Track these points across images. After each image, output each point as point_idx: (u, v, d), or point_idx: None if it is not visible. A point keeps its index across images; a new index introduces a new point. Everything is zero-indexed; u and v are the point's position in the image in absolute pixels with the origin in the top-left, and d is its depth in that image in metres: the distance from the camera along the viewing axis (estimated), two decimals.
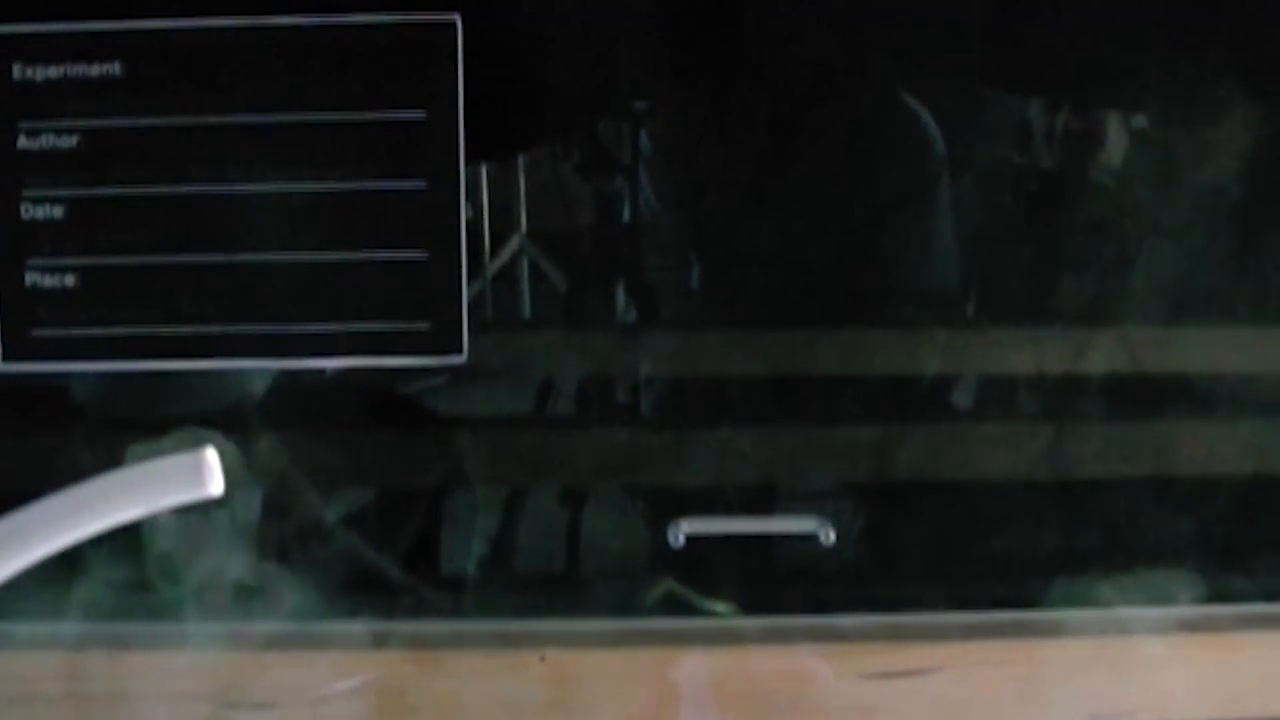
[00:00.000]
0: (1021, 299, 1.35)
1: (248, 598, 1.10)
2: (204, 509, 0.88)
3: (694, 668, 1.05)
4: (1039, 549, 1.26)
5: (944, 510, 1.29)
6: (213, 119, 1.05)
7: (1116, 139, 1.35)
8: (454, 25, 1.04)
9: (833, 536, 1.15)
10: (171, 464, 0.64)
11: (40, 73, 1.03)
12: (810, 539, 1.16)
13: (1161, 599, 1.11)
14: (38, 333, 1.06)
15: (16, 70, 1.03)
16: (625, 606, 1.14)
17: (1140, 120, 1.35)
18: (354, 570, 1.18)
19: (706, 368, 1.35)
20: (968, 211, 1.38)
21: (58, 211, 1.04)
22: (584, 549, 1.34)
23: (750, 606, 1.13)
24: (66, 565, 0.74)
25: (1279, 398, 1.29)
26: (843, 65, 1.31)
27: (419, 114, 1.05)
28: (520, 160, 1.40)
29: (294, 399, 1.19)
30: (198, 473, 0.64)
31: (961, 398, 1.37)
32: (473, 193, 1.32)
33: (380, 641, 1.06)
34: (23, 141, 1.04)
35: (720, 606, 1.13)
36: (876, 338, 1.33)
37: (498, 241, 1.43)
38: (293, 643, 1.05)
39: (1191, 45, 1.21)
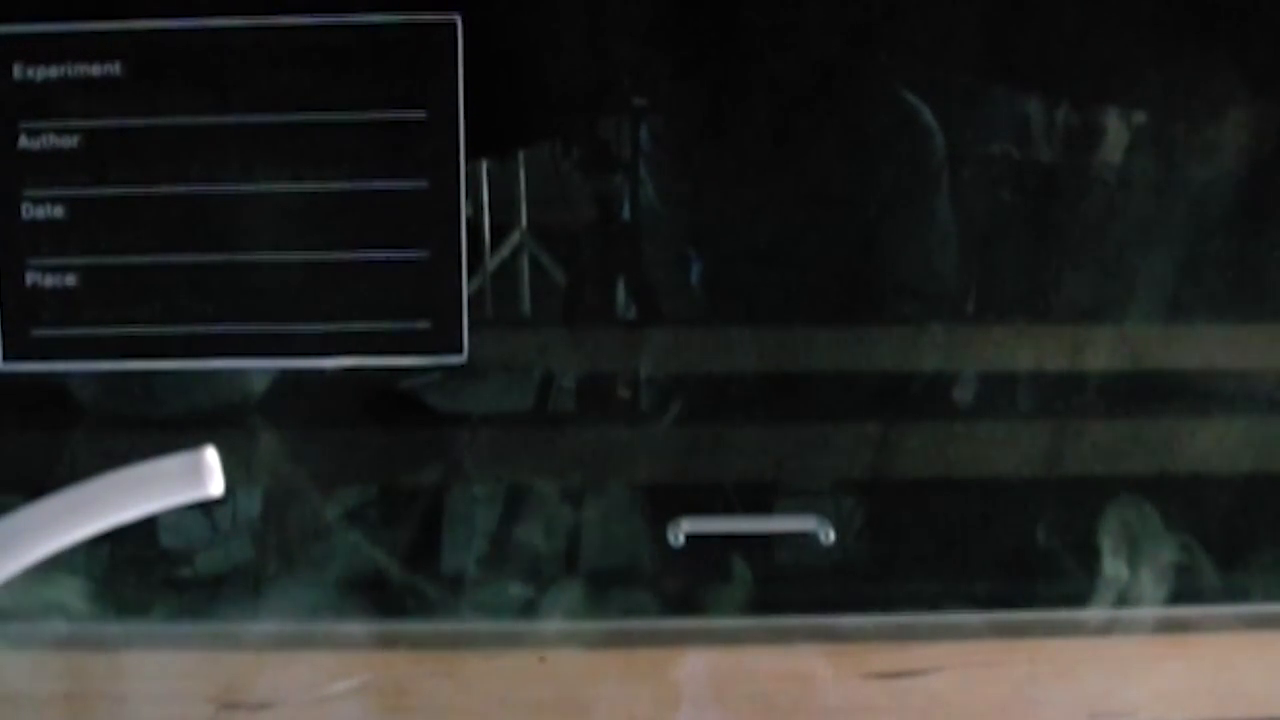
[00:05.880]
0: (1021, 296, 1.35)
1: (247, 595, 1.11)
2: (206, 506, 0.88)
3: (694, 668, 1.05)
4: (1039, 547, 1.26)
5: (944, 508, 1.29)
6: (213, 119, 1.04)
7: (1116, 136, 1.35)
8: (454, 25, 1.04)
9: (833, 536, 1.15)
10: (171, 464, 0.64)
11: (40, 73, 1.03)
12: (810, 538, 1.16)
13: (1161, 598, 1.11)
14: (38, 333, 1.06)
15: (17, 70, 1.03)
16: (625, 607, 1.14)
17: (1140, 117, 1.35)
18: (354, 569, 1.18)
19: (706, 364, 1.35)
20: (967, 208, 1.38)
21: (58, 211, 1.04)
22: (584, 548, 1.34)
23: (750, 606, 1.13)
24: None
25: (1278, 395, 1.29)
26: (843, 62, 1.30)
27: (419, 114, 1.05)
28: (520, 157, 1.40)
29: (294, 398, 1.19)
30: (197, 473, 0.64)
31: (961, 394, 1.37)
32: (473, 190, 1.32)
33: (380, 641, 1.06)
34: (23, 141, 1.04)
35: None
36: (876, 335, 1.33)
37: (498, 238, 1.43)
38: (293, 643, 1.05)
39: (1192, 42, 1.21)
